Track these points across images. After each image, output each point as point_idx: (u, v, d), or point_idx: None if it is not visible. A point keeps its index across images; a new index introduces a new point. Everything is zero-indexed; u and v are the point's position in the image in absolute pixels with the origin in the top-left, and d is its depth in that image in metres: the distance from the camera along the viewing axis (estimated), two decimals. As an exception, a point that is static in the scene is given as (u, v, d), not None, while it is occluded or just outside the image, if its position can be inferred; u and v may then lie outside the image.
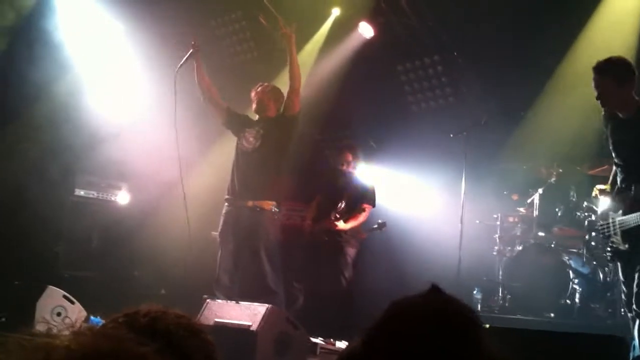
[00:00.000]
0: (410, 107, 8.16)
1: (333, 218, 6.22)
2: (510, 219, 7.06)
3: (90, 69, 6.60)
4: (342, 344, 5.56)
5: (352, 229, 6.32)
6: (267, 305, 4.49)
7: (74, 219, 6.53)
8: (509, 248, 6.93)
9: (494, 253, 6.94)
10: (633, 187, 4.23)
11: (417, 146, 7.44)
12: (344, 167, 6.50)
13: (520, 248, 6.77)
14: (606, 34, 6.70)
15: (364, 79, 7.87)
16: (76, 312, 4.82)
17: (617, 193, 4.39)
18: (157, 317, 1.24)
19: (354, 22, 7.51)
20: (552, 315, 6.24)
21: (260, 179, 5.41)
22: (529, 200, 6.99)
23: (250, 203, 5.40)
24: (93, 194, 6.71)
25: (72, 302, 4.90)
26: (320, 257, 6.29)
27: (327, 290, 6.17)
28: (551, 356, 3.20)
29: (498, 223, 7.00)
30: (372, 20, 7.47)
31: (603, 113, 4.42)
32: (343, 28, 7.57)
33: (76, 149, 6.34)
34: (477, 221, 6.99)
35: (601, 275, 6.32)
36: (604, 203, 4.52)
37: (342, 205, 6.27)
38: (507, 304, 6.55)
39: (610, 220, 4.36)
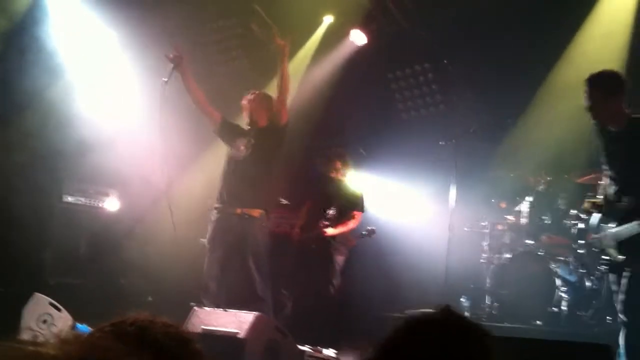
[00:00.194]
0: (400, 115, 8.20)
1: (322, 225, 6.22)
2: (499, 227, 7.08)
3: (81, 76, 6.58)
4: (329, 352, 5.56)
5: (341, 236, 6.33)
6: (255, 313, 4.48)
7: (62, 225, 6.48)
8: (497, 256, 6.95)
9: (482, 261, 6.97)
10: (626, 199, 4.27)
11: (407, 153, 7.47)
12: (334, 175, 6.51)
13: (509, 256, 6.80)
14: (596, 44, 6.77)
15: (354, 87, 7.89)
16: (62, 320, 4.78)
17: (609, 205, 4.42)
18: (144, 326, 1.23)
19: (346, 30, 7.54)
20: (540, 322, 6.27)
21: (250, 187, 5.41)
22: (517, 208, 7.02)
23: (239, 211, 5.39)
24: (81, 200, 6.67)
25: (59, 310, 4.85)
26: (309, 265, 6.29)
27: (315, 297, 6.17)
28: (538, 364, 3.21)
29: (487, 231, 7.02)
30: (364, 28, 7.51)
31: (594, 126, 4.45)
32: (335, 35, 7.60)
33: (65, 155, 6.31)
34: (466, 229, 7.02)
35: (588, 283, 6.36)
36: (595, 216, 4.55)
37: (332, 212, 6.27)
38: (494, 312, 6.57)
39: (602, 233, 4.39)
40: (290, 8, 6.81)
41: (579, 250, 6.49)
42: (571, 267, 6.49)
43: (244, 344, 4.24)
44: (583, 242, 6.42)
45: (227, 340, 4.27)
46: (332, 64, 7.77)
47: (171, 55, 5.37)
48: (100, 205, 6.77)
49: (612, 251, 4.30)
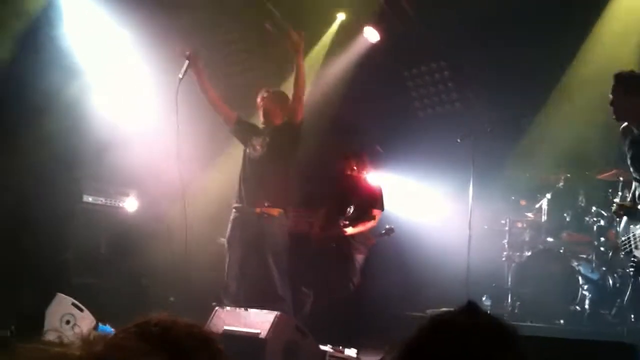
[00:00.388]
0: (416, 112, 8.17)
1: (342, 224, 6.21)
2: (519, 225, 7.03)
3: (97, 76, 6.63)
4: (350, 352, 5.54)
5: (361, 235, 6.31)
6: (276, 312, 4.48)
7: (82, 225, 6.54)
8: (518, 254, 6.90)
9: (503, 259, 6.92)
10: None
11: (424, 151, 7.44)
12: (350, 173, 6.50)
13: (529, 254, 6.74)
14: (612, 40, 6.71)
15: (370, 84, 7.87)
16: (85, 320, 4.82)
17: (636, 207, 4.41)
18: (168, 326, 1.24)
19: (360, 27, 7.52)
20: (562, 321, 6.21)
21: (268, 186, 5.42)
22: (537, 206, 6.96)
23: (257, 210, 5.41)
24: (101, 200, 6.72)
25: (81, 310, 4.90)
26: (329, 264, 6.29)
27: (335, 296, 6.16)
28: (561, 363, 3.18)
29: (506, 229, 6.97)
30: (377, 25, 7.48)
31: (621, 129, 4.52)
32: (348, 33, 7.58)
33: (84, 155, 6.37)
34: (485, 227, 6.97)
35: (611, 281, 6.28)
36: (624, 218, 4.56)
37: (351, 210, 6.26)
38: (516, 311, 6.52)
39: (632, 234, 4.37)
40: (303, 6, 6.80)
41: (600, 248, 6.42)
42: (593, 264, 6.42)
43: (265, 344, 4.25)
44: (604, 239, 6.36)
45: (248, 340, 4.28)
46: (347, 62, 7.74)
47: (187, 53, 5.41)
48: (120, 205, 6.83)
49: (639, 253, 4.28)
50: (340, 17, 7.42)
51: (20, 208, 5.92)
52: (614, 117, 4.44)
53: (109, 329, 4.87)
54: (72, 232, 6.47)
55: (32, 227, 5.91)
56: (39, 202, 5.94)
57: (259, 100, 5.64)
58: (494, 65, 7.26)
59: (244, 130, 5.70)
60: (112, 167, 6.47)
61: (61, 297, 4.87)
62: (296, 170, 5.78)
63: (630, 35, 6.65)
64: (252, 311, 4.57)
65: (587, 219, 6.57)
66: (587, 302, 6.27)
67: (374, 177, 6.66)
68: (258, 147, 5.55)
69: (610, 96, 4.38)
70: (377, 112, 8.00)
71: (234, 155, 5.98)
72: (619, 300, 6.10)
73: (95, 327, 4.84)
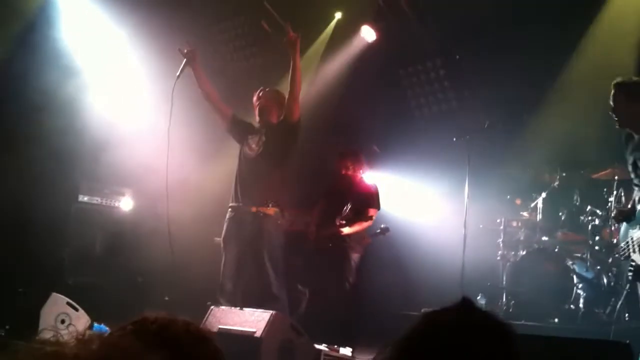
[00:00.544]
0: (413, 111, 8.17)
1: (339, 224, 6.21)
2: (514, 224, 7.05)
3: (93, 75, 6.62)
4: (346, 351, 5.55)
5: (356, 235, 6.31)
6: (271, 311, 4.48)
7: (78, 225, 6.53)
8: (513, 253, 6.92)
9: (498, 258, 6.93)
10: None
11: (420, 150, 7.44)
12: (347, 172, 6.50)
13: (524, 253, 6.76)
14: (611, 39, 6.72)
15: (366, 83, 7.88)
16: (80, 319, 4.81)
17: (634, 211, 4.44)
18: (165, 324, 1.24)
19: (357, 26, 7.52)
20: (557, 320, 6.22)
21: (264, 185, 5.41)
22: (532, 205, 6.98)
23: (253, 209, 5.40)
24: (97, 200, 6.72)
25: (76, 309, 4.89)
26: (325, 263, 6.29)
27: (331, 296, 6.16)
28: (556, 362, 3.19)
29: (501, 228, 6.99)
30: (374, 24, 7.48)
31: (624, 134, 4.54)
32: (345, 32, 7.58)
33: (80, 155, 6.36)
34: (480, 226, 6.98)
35: (605, 280, 6.30)
36: (623, 224, 4.59)
37: (348, 209, 6.27)
38: (511, 310, 6.54)
39: (630, 239, 4.40)
40: (300, 4, 6.80)
41: (595, 247, 6.44)
42: (588, 263, 6.44)
43: (261, 342, 4.25)
44: (599, 238, 6.38)
45: (243, 339, 4.28)
46: (343, 61, 7.75)
47: (185, 50, 5.40)
48: (115, 204, 6.82)
49: (638, 256, 4.30)
50: (337, 16, 7.42)
51: (16, 207, 5.91)
52: (617, 125, 4.46)
53: (104, 328, 4.86)
54: (67, 232, 6.46)
55: (28, 227, 5.90)
56: (34, 201, 5.93)
57: (254, 98, 5.62)
58: (490, 63, 7.27)
59: (239, 129, 5.69)
60: (108, 167, 6.47)
61: (56, 296, 4.86)
62: (292, 169, 5.77)
63: (627, 35, 6.66)
64: (248, 310, 4.56)
65: (582, 218, 6.59)
66: (581, 300, 6.29)
67: (370, 177, 6.66)
68: (254, 146, 5.53)
69: (611, 104, 4.39)
70: (373, 111, 8.00)
71: (230, 155, 5.97)
72: (613, 299, 6.12)
73: (90, 327, 4.83)
